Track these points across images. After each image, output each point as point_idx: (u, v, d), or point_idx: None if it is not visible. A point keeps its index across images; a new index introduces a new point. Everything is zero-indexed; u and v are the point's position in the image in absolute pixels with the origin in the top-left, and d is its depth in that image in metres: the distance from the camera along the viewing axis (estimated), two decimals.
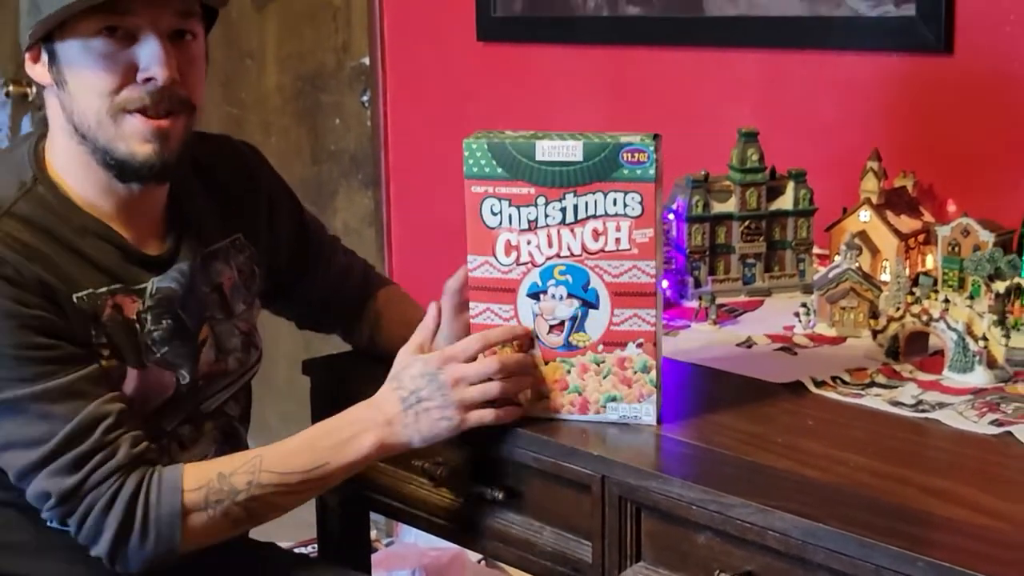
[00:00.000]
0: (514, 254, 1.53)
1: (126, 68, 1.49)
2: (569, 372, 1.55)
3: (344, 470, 1.53)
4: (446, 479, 1.63)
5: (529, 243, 1.52)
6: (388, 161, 3.27)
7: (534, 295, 1.53)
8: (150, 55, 1.48)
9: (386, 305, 1.82)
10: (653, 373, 1.52)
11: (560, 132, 1.51)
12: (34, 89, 4.08)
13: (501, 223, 1.52)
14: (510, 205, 1.51)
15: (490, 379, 1.51)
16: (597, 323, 1.52)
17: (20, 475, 1.46)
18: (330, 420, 1.56)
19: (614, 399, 1.54)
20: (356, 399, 1.65)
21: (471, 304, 1.56)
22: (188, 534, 1.47)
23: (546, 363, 1.55)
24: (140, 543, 1.46)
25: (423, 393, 1.51)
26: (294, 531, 2.57)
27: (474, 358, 1.51)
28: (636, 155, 1.46)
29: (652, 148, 1.46)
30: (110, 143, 1.50)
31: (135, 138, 1.50)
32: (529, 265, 1.52)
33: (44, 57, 1.53)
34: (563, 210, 1.50)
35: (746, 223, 1.98)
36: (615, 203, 1.48)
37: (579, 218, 1.50)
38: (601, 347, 1.53)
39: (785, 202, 2.00)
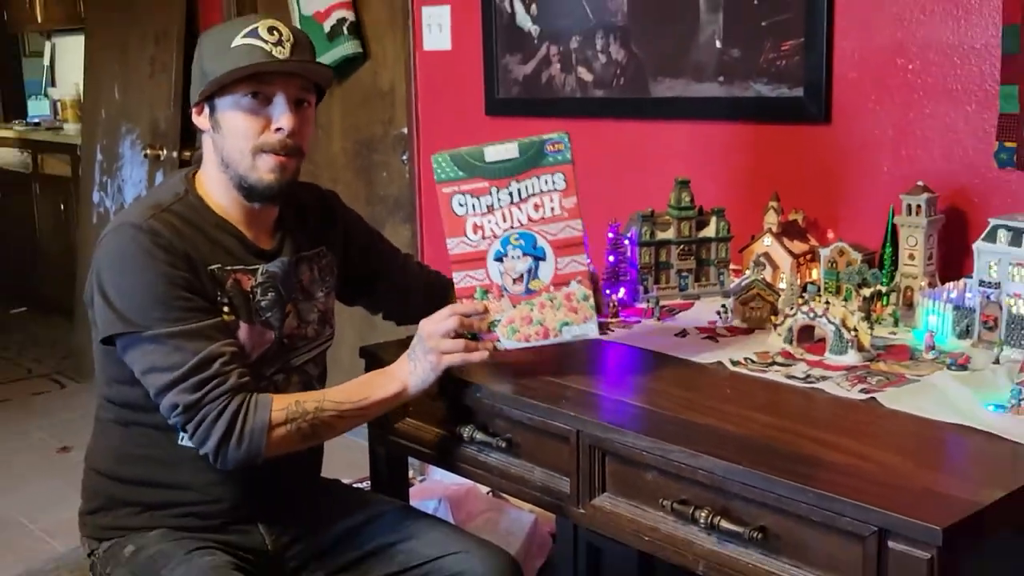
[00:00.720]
0: (479, 232, 1.55)
1: (264, 120, 1.56)
2: (532, 309, 1.56)
3: (378, 404, 1.58)
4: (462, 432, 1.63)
5: (489, 222, 1.54)
6: (421, 203, 3.26)
7: (499, 259, 1.55)
8: (280, 113, 1.57)
9: None
10: (591, 299, 1.54)
11: (500, 140, 1.54)
12: (164, 152, 4.09)
13: (467, 211, 1.54)
14: (472, 197, 1.54)
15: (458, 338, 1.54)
16: (547, 270, 1.55)
17: (158, 391, 1.50)
18: (374, 372, 1.62)
19: (567, 324, 1.55)
20: None
21: (453, 274, 1.58)
22: (271, 443, 1.50)
23: (514, 306, 1.56)
24: (236, 446, 1.49)
25: (416, 349, 1.56)
26: (354, 471, 2.57)
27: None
28: (556, 145, 1.51)
29: (566, 138, 1.51)
30: (247, 172, 1.58)
31: (264, 170, 1.57)
32: (492, 238, 1.55)
33: (206, 111, 1.60)
34: (511, 194, 1.53)
35: (681, 247, 1.97)
36: (546, 183, 1.52)
37: (523, 197, 1.53)
38: (552, 287, 1.55)
39: (709, 231, 1.99)
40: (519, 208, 1.52)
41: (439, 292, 1.84)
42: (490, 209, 1.53)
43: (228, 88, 1.55)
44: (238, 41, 1.54)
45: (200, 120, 1.62)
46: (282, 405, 1.51)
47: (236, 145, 1.56)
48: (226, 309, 1.57)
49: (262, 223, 1.66)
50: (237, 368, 1.51)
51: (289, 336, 1.66)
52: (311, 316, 1.70)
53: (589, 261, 1.54)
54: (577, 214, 1.52)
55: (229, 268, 1.58)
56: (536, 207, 1.52)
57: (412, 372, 1.55)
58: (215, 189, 1.62)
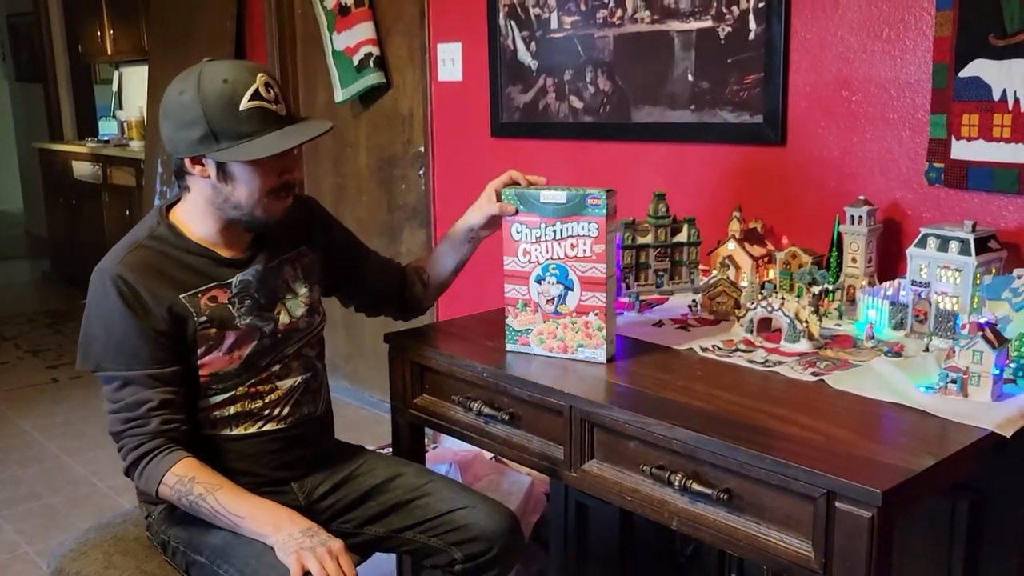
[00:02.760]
0: (528, 256, 1.59)
1: (277, 171, 1.51)
2: (557, 328, 1.59)
3: (247, 529, 1.45)
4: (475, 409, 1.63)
5: (536, 250, 1.59)
6: (435, 211, 3.26)
7: (539, 281, 1.59)
8: (292, 164, 1.53)
9: (416, 264, 1.84)
10: (604, 331, 1.57)
11: (555, 186, 1.59)
12: None
13: (521, 238, 1.59)
14: (526, 227, 1.58)
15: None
16: (573, 299, 1.58)
17: (106, 411, 1.51)
18: (273, 504, 1.48)
19: (582, 345, 1.58)
20: (414, 358, 1.65)
21: (505, 284, 1.62)
22: (160, 492, 1.48)
23: (544, 321, 1.60)
24: (137, 478, 1.51)
25: (314, 538, 1.41)
26: (377, 439, 2.56)
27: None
28: (595, 200, 1.54)
29: (604, 196, 1.53)
30: (259, 215, 1.53)
31: (277, 210, 1.55)
32: (536, 263, 1.59)
33: (211, 166, 1.49)
34: (555, 231, 1.56)
35: (658, 250, 1.96)
36: (583, 228, 1.55)
37: (564, 236, 1.56)
38: (575, 314, 1.58)
39: (682, 237, 1.98)
40: (559, 244, 1.56)
41: (410, 284, 1.83)
42: (538, 240, 1.58)
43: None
44: (246, 104, 1.44)
45: (199, 169, 1.49)
46: (179, 473, 1.46)
47: (251, 194, 1.50)
48: (209, 327, 1.53)
49: (240, 241, 1.60)
50: (162, 415, 1.48)
51: (283, 331, 1.63)
52: (299, 311, 1.66)
53: (610, 299, 1.56)
54: (603, 259, 1.55)
55: (203, 288, 1.54)
56: (572, 246, 1.56)
57: (287, 540, 1.41)
58: (195, 221, 1.56)
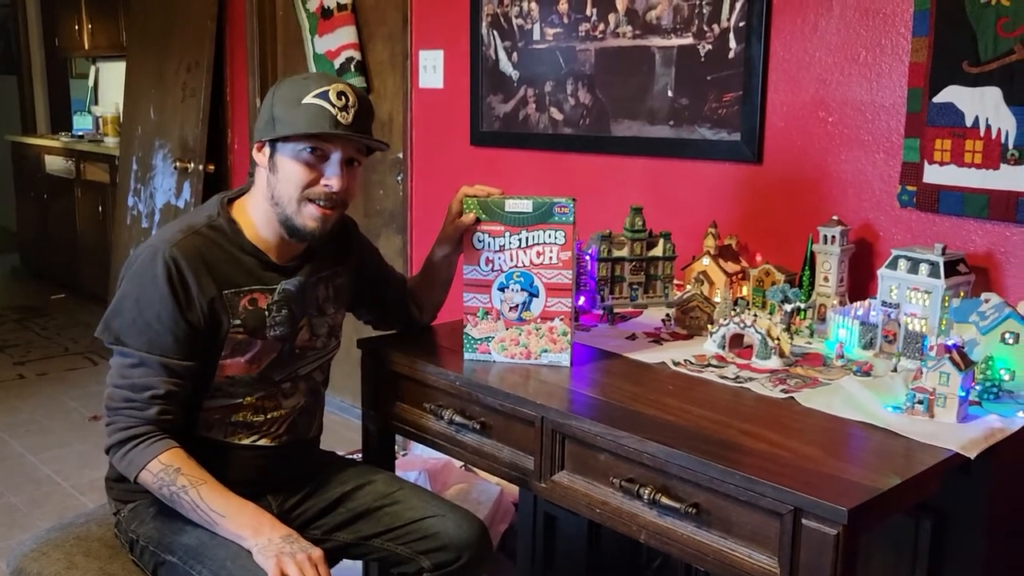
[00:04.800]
0: (490, 265, 1.61)
1: (317, 174, 1.51)
2: (520, 334, 1.61)
3: (224, 529, 1.44)
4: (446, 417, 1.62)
5: (499, 259, 1.60)
6: (412, 217, 3.25)
7: (502, 289, 1.61)
8: (332, 173, 1.52)
9: (410, 288, 1.85)
10: (568, 336, 1.59)
11: (518, 195, 1.61)
12: (192, 165, 4.05)
13: (483, 247, 1.60)
14: (489, 236, 1.60)
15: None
16: (538, 306, 1.61)
17: (107, 384, 1.51)
18: (255, 508, 1.47)
19: (546, 351, 1.61)
20: (387, 365, 1.65)
21: (464, 293, 1.62)
22: (139, 478, 1.47)
23: (507, 328, 1.62)
24: (119, 460, 1.49)
25: (294, 545, 1.41)
26: (347, 445, 2.55)
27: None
28: (563, 208, 1.57)
29: (571, 205, 1.56)
30: (292, 216, 1.53)
31: (308, 217, 1.53)
32: (499, 272, 1.61)
33: (267, 150, 1.53)
34: (520, 239, 1.59)
35: (633, 263, 1.97)
36: (550, 236, 1.58)
37: (529, 244, 1.59)
38: (539, 320, 1.60)
39: (657, 251, 2.00)
40: (524, 252, 1.59)
41: (409, 305, 1.83)
42: (501, 248, 1.59)
43: (291, 138, 1.49)
44: (309, 99, 1.48)
45: (259, 157, 1.54)
46: (166, 462, 1.46)
47: (287, 189, 1.51)
48: (240, 331, 1.53)
49: (291, 249, 1.60)
50: (162, 405, 1.48)
51: (300, 347, 1.62)
52: (322, 330, 1.66)
53: (573, 305, 1.59)
54: (570, 265, 1.57)
55: (246, 289, 1.53)
56: (538, 254, 1.58)
57: (267, 544, 1.40)
58: (257, 216, 1.56)
